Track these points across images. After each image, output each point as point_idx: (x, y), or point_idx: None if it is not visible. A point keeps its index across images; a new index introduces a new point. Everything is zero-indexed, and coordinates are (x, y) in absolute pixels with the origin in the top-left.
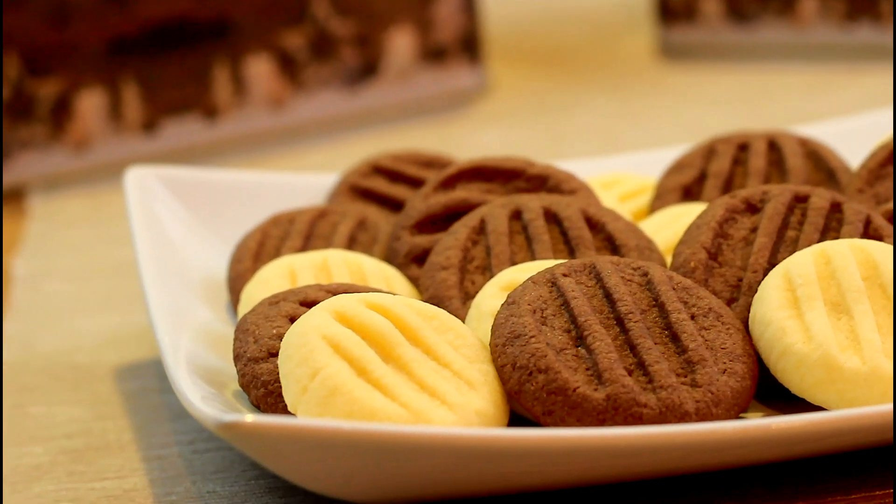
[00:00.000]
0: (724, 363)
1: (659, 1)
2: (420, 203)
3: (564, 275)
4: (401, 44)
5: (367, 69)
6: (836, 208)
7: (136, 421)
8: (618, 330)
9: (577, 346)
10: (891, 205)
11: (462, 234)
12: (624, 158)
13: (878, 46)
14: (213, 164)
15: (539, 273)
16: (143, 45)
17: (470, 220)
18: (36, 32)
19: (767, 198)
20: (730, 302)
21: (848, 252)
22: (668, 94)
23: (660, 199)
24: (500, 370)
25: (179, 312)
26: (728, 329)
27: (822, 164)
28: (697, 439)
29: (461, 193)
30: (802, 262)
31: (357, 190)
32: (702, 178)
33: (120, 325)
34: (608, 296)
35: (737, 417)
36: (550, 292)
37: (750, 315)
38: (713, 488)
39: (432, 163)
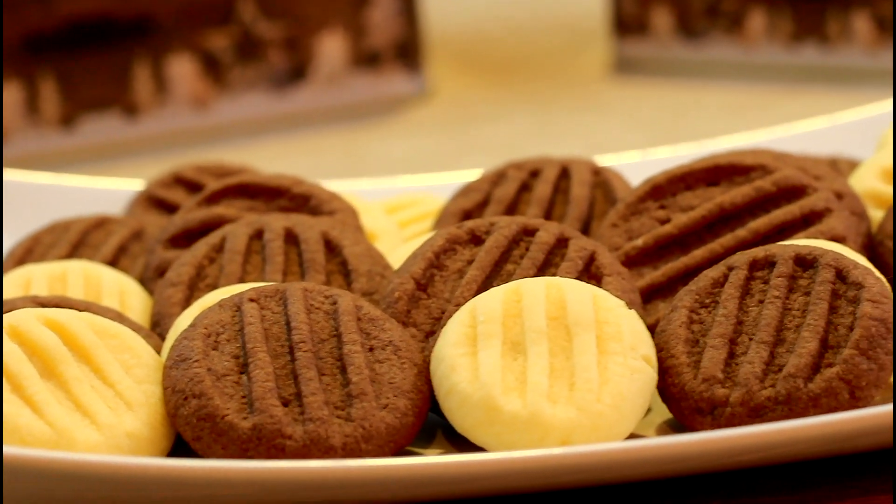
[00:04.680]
0: (388, 398)
1: (614, 14)
2: (178, 218)
3: (251, 300)
4: (331, 48)
5: (296, 72)
6: (562, 243)
7: None
8: (288, 359)
9: (241, 374)
10: (640, 241)
11: (200, 251)
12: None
13: (823, 67)
14: (133, 161)
15: (230, 297)
16: (62, 40)
17: (212, 238)
18: None
19: (493, 229)
20: (429, 335)
21: (541, 290)
22: (607, 108)
23: (440, 224)
24: (164, 392)
25: None
26: (403, 364)
27: (610, 195)
28: (320, 475)
29: (219, 210)
30: (491, 299)
31: (154, 200)
32: (485, 203)
33: None
34: (288, 323)
35: (393, 454)
36: (233, 317)
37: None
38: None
39: (239, 173)
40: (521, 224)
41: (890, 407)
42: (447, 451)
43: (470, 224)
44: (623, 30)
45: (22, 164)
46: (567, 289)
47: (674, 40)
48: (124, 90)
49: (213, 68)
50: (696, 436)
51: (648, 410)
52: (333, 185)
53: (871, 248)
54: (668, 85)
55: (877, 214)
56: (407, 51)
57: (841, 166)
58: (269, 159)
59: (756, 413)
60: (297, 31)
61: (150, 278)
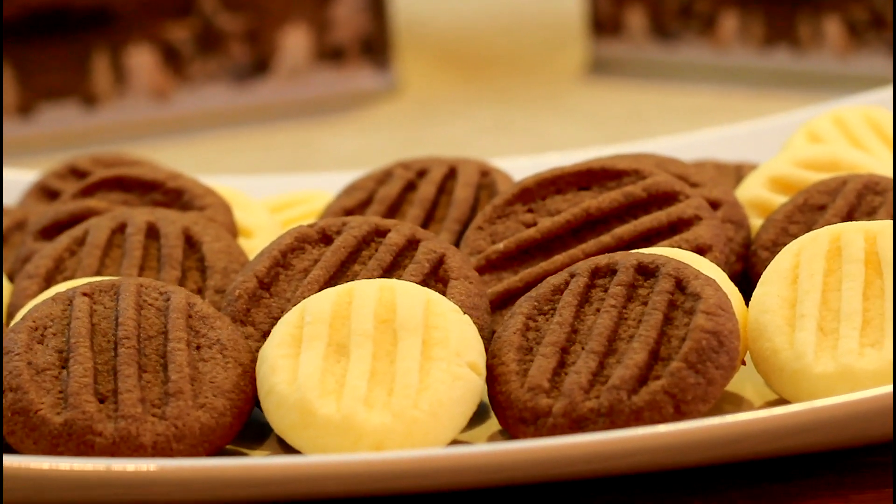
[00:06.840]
0: (206, 398)
1: (591, 14)
2: (51, 209)
3: (85, 294)
4: (295, 42)
5: (258, 66)
6: (413, 245)
7: None
8: (112, 355)
9: (63, 368)
10: (501, 245)
11: (62, 243)
12: None
13: (794, 72)
14: (91, 151)
15: (64, 290)
16: (20, 29)
17: (75, 231)
18: None
19: (344, 229)
20: (266, 335)
21: (373, 292)
22: (575, 108)
23: None
24: None
25: None
26: (227, 363)
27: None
28: (125, 476)
29: (90, 202)
30: (321, 300)
31: (47, 191)
32: (368, 202)
33: None
34: (116, 319)
35: (208, 454)
36: (63, 311)
37: None
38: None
39: (134, 166)
40: (372, 224)
41: (716, 419)
42: (275, 453)
43: (321, 223)
44: (599, 29)
45: None
46: (400, 291)
47: (647, 41)
48: (83, 80)
49: (174, 60)
50: (504, 445)
51: (486, 418)
52: (283, 180)
53: (747, 257)
54: (638, 86)
55: (758, 223)
56: (373, 46)
57: (745, 173)
58: (228, 153)
59: (578, 424)
60: (259, 23)
61: (18, 270)
